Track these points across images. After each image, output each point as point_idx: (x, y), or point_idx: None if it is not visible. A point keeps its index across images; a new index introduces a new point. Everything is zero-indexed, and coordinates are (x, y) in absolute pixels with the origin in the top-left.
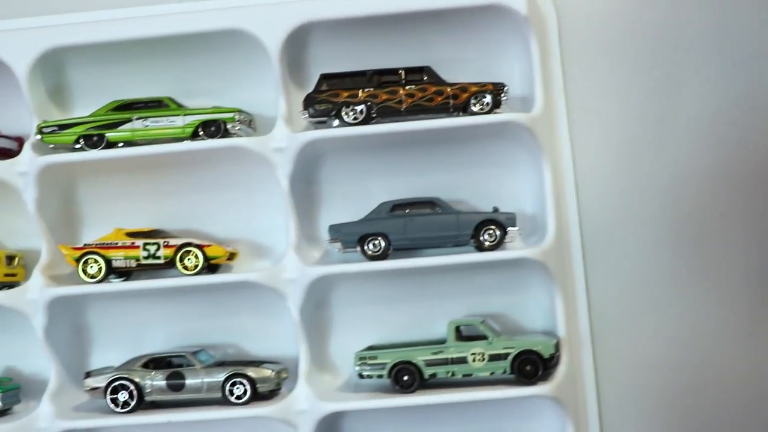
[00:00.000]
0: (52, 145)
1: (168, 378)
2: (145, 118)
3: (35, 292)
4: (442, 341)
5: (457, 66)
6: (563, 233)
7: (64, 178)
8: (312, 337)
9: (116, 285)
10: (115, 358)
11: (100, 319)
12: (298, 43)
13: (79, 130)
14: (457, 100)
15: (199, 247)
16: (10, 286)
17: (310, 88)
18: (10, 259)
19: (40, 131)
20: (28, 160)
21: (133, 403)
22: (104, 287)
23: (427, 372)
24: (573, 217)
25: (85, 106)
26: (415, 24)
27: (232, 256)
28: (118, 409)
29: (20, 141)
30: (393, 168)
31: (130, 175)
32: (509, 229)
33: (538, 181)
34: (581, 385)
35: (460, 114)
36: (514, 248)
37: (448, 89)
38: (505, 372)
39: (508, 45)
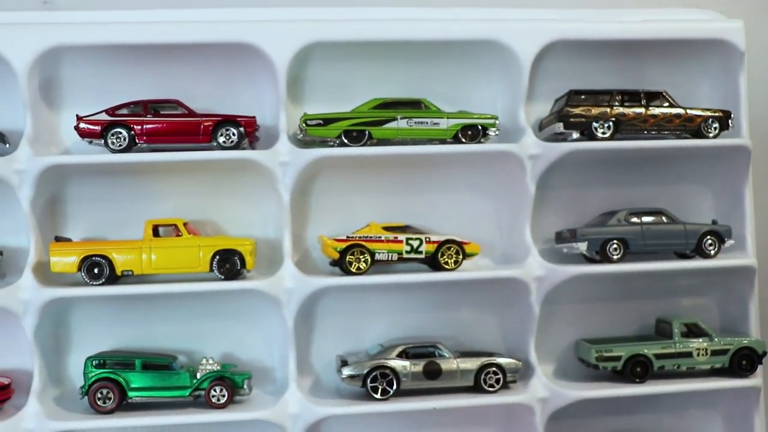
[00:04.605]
0: (300, 136)
1: (426, 366)
2: (410, 118)
3: (290, 281)
4: (648, 337)
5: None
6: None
7: (312, 171)
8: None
9: (377, 278)
10: (334, 348)
11: (326, 309)
12: (543, 57)
13: (343, 125)
14: (692, 123)
15: (460, 244)
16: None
17: (539, 101)
18: None
19: (305, 123)
20: (287, 150)
21: (392, 391)
22: (368, 279)
23: (657, 365)
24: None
25: (313, 102)
26: (632, 49)
27: None
28: (378, 396)
29: None
30: (608, 179)
31: (370, 170)
32: (726, 240)
33: (732, 197)
34: None
35: (689, 137)
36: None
37: (686, 112)
38: (723, 366)
39: (708, 72)
